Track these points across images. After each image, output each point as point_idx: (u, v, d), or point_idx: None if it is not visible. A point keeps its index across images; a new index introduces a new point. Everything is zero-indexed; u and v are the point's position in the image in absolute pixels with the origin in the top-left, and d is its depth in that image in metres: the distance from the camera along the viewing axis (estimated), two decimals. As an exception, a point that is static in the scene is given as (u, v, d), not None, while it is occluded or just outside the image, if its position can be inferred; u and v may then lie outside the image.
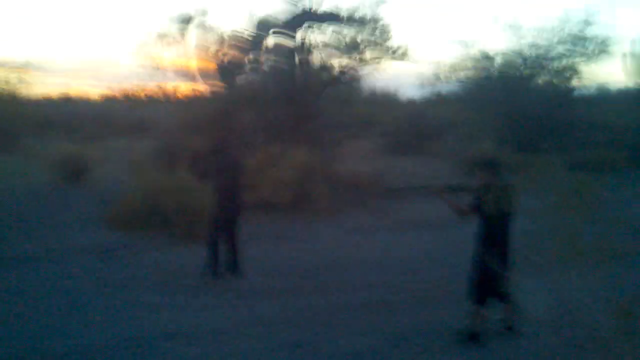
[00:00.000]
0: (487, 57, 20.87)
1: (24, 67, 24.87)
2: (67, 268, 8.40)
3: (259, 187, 12.08)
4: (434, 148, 21.77)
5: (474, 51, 20.88)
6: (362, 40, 16.14)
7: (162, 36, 15.91)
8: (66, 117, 28.56)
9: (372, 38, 16.18)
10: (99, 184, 13.26)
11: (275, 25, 16.17)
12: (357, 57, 16.22)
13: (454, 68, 21.22)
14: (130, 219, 10.32)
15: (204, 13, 16.03)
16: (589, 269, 3.10)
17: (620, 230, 4.09)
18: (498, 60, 21.02)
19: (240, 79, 16.36)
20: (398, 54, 16.42)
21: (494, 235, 5.36)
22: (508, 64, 20.85)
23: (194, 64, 16.27)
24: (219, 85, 15.84)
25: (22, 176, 13.58)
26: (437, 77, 21.42)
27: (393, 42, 16.37)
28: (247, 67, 16.54)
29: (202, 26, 15.91)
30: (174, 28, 15.95)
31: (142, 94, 16.91)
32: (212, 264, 7.97)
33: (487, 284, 5.28)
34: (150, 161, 13.24)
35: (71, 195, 12.26)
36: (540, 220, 3.56)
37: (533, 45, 20.12)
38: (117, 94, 19.38)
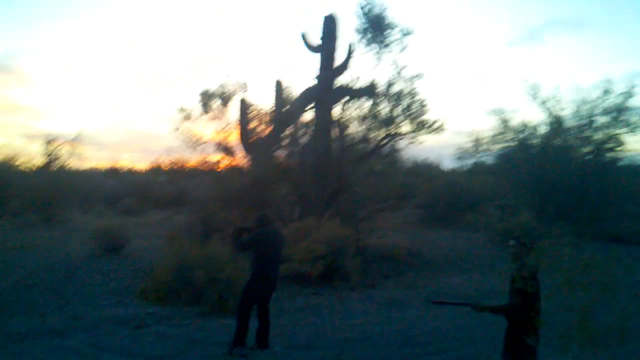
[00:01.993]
0: (526, 128, 20.76)
1: (75, 140, 26.13)
2: (98, 339, 8.45)
3: (291, 259, 12.11)
4: (472, 220, 21.48)
5: (513, 121, 20.83)
6: (398, 114, 16.34)
7: (201, 111, 16.48)
8: (110, 189, 29.46)
9: (408, 112, 16.36)
10: (136, 256, 13.44)
11: (312, 100, 16.54)
12: (394, 131, 16.39)
13: (492, 139, 21.14)
14: (162, 291, 10.40)
15: (243, 88, 16.59)
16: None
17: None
18: (537, 130, 20.86)
19: (278, 153, 16.67)
20: (434, 128, 16.52)
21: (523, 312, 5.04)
22: (548, 135, 20.66)
23: (232, 138, 16.71)
24: (255, 158, 16.15)
25: (61, 248, 13.90)
26: (475, 148, 21.34)
27: (429, 115, 16.52)
28: (284, 141, 16.87)
29: (242, 101, 16.42)
30: (213, 103, 16.51)
31: (183, 167, 17.34)
32: (242, 337, 7.83)
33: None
34: (185, 234, 13.41)
35: (108, 268, 12.46)
36: (552, 298, 3.45)
37: (575, 116, 19.94)
38: (158, 167, 19.95)
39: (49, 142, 26.10)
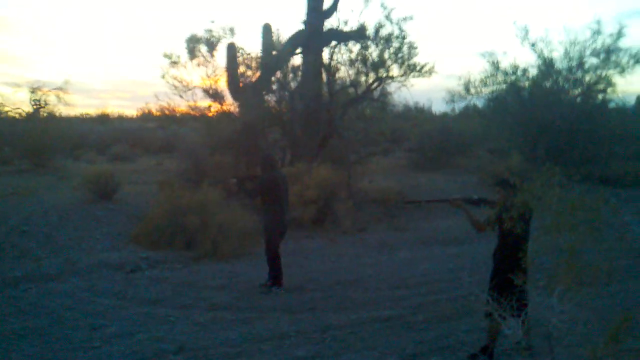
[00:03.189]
0: (517, 70, 20.67)
1: (63, 88, 25.79)
2: (93, 283, 8.56)
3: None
4: (462, 163, 21.61)
5: (503, 64, 20.72)
6: (388, 57, 16.16)
7: (190, 56, 16.22)
8: (100, 136, 29.29)
9: (398, 55, 16.18)
10: (128, 202, 13.47)
11: (300, 44, 16.30)
12: (383, 75, 16.25)
13: (483, 82, 21.05)
14: (155, 236, 10.49)
15: (230, 33, 16.29)
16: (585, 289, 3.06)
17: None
18: (528, 73, 20.79)
19: (267, 98, 16.52)
20: (425, 71, 16.38)
21: (509, 253, 5.23)
22: (538, 77, 20.60)
23: (221, 83, 16.51)
24: (245, 104, 16.01)
25: (54, 194, 13.90)
26: (466, 92, 21.28)
27: (419, 59, 16.35)
28: (274, 85, 16.70)
29: (229, 46, 16.15)
30: (200, 48, 16.24)
31: (172, 113, 17.19)
32: (279, 279, 8.26)
33: (502, 299, 5.19)
34: (176, 179, 13.43)
35: (101, 214, 12.50)
36: (539, 239, 3.51)
37: (565, 58, 19.85)
38: (148, 113, 19.82)
39: (35, 90, 25.72)
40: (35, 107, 25.78)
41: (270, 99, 16.77)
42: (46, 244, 10.45)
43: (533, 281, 3.76)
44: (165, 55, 16.20)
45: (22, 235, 10.66)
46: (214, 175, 13.28)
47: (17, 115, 25.53)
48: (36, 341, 6.24)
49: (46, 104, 25.96)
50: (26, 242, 10.39)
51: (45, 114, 25.61)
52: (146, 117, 33.79)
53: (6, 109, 25.40)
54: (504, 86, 21.05)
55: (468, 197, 6.09)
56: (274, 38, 16.87)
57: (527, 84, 20.92)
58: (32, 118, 24.75)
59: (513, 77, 20.72)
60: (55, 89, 25.84)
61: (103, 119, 39.97)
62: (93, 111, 44.33)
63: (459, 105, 25.47)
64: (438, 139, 22.15)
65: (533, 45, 20.11)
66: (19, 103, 28.94)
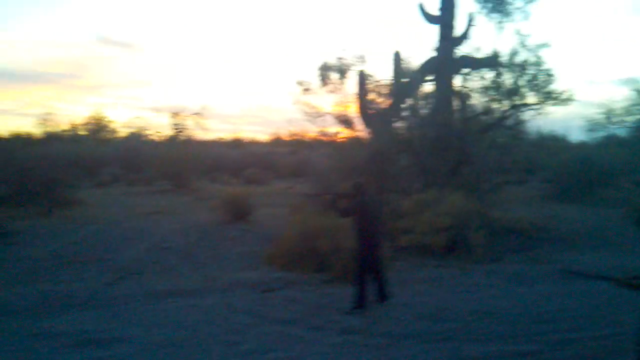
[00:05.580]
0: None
1: (200, 113, 27.37)
2: (230, 300, 8.84)
3: (413, 231, 12.02)
4: (604, 195, 20.20)
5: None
6: (523, 85, 15.62)
7: (322, 83, 16.61)
8: (234, 160, 30.60)
9: (534, 82, 15.60)
10: (261, 224, 13.88)
11: (432, 72, 16.17)
12: (518, 102, 15.71)
13: (626, 110, 19.76)
14: (288, 258, 10.73)
15: (361, 60, 16.50)
16: None
17: None
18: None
19: (397, 125, 16.48)
20: (562, 99, 15.63)
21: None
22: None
23: (351, 109, 16.75)
24: (375, 130, 16.06)
25: (192, 214, 14.64)
26: (607, 120, 20.08)
27: (556, 86, 15.65)
28: (404, 112, 16.64)
29: (360, 73, 16.34)
30: (331, 75, 16.59)
31: (303, 139, 17.65)
32: (361, 301, 8.25)
33: None
34: (307, 203, 13.65)
35: (236, 234, 12.95)
36: None
37: None
38: (279, 139, 20.50)
39: (175, 114, 27.41)
40: (175, 131, 27.51)
41: (400, 125, 16.71)
42: (186, 261, 10.99)
43: None
44: (299, 83, 16.73)
45: (164, 252, 11.30)
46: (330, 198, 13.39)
47: (158, 139, 27.36)
48: (177, 353, 6.51)
49: (185, 128, 27.63)
50: (167, 258, 10.98)
51: (183, 138, 27.26)
52: (277, 142, 34.98)
53: (149, 132, 27.31)
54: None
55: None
56: (404, 65, 16.89)
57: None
58: (172, 141, 26.41)
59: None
60: (193, 114, 27.47)
61: (236, 143, 41.85)
62: (227, 135, 46.60)
63: (600, 134, 24.06)
64: (577, 168, 20.91)
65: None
66: (160, 127, 31.06)
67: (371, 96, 16.44)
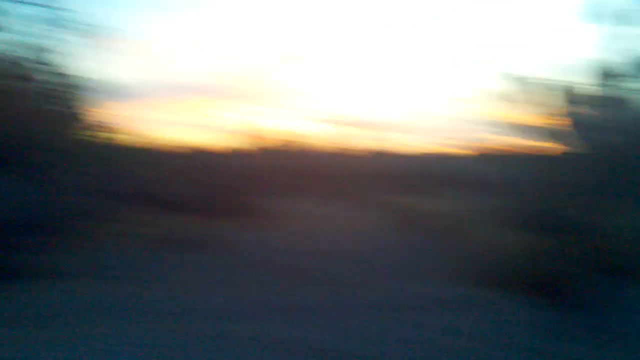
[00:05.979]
0: None
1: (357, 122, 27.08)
2: (413, 317, 8.44)
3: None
4: None
5: None
6: None
7: (502, 93, 15.72)
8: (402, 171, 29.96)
9: None
10: (437, 237, 13.48)
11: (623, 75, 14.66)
12: None
13: None
14: (490, 276, 10.03)
15: (569, 71, 15.34)
16: None
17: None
18: None
19: (612, 138, 15.08)
20: None
21: None
22: None
23: (535, 120, 15.72)
24: (574, 144, 14.88)
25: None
26: None
27: None
28: (601, 124, 15.24)
29: (567, 85, 15.21)
30: (513, 84, 15.66)
31: (483, 149, 16.94)
32: None
33: None
34: (496, 218, 12.92)
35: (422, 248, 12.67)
36: None
37: None
38: (456, 150, 19.80)
39: (335, 124, 27.19)
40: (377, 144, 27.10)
41: (616, 138, 15.29)
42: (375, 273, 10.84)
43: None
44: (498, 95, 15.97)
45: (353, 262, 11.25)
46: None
47: (320, 150, 27.40)
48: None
49: (382, 141, 27.42)
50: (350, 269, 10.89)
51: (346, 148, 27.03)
52: (484, 156, 33.01)
53: (312, 142, 27.35)
54: None
55: None
56: (592, 70, 15.50)
57: None
58: (373, 154, 26.35)
59: None
60: (350, 124, 27.20)
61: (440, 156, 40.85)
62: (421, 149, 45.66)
63: None
64: None
65: None
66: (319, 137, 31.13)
67: (579, 108, 15.20)
